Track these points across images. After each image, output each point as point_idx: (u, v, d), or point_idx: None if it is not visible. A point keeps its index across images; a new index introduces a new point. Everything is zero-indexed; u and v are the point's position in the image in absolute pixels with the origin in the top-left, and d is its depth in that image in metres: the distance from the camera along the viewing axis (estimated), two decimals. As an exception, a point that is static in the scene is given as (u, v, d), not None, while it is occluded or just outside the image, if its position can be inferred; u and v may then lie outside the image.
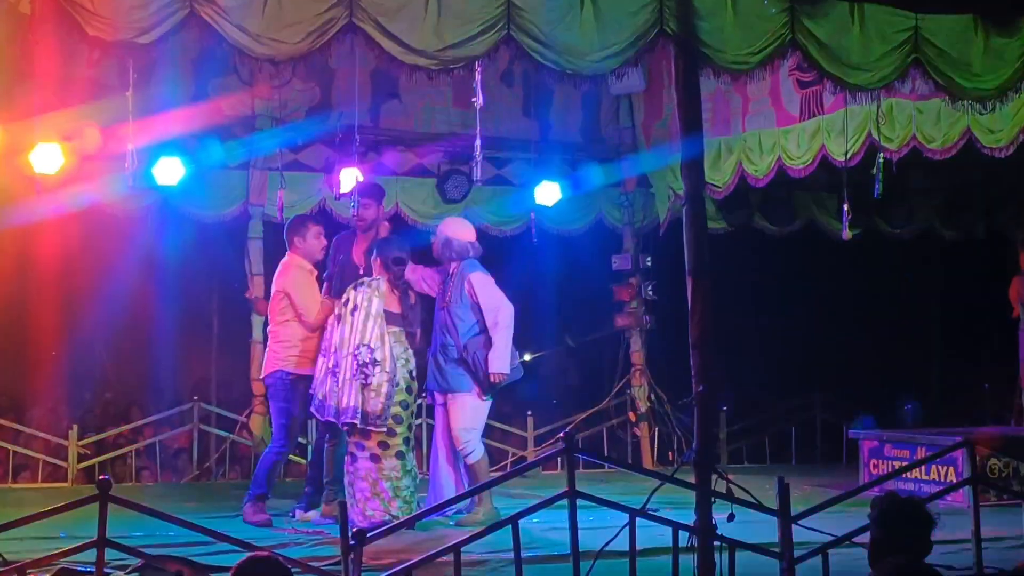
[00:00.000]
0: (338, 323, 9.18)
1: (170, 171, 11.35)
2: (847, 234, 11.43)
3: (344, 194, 10.92)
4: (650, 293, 13.84)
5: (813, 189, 13.47)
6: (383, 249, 9.48)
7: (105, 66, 10.41)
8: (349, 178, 10.99)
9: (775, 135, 11.84)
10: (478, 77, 8.29)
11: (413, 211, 13.04)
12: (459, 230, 9.87)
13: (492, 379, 9.42)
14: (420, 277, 9.85)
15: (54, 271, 12.68)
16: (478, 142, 8.90)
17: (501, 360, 9.41)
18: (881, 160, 10.47)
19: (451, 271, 9.69)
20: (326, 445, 9.85)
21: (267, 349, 9.90)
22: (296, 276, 9.77)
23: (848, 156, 10.84)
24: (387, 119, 12.82)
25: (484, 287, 9.52)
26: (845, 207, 11.24)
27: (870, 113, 10.30)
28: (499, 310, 9.46)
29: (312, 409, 9.33)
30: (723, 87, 10.33)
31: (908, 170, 11.32)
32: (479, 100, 8.54)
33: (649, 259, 13.92)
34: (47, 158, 10.55)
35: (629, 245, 14.09)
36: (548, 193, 13.13)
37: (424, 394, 9.99)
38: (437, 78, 7.87)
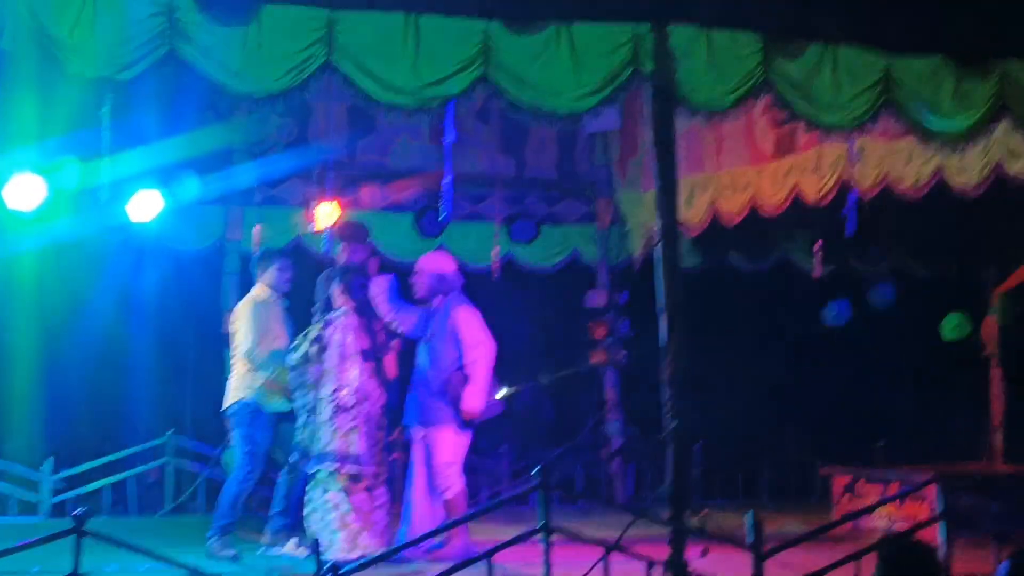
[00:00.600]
0: (308, 363, 9.17)
1: (147, 206, 11.38)
2: (820, 272, 11.51)
3: (321, 231, 10.98)
4: (625, 330, 13.89)
5: (786, 227, 13.55)
6: (344, 276, 9.49)
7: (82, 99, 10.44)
8: (326, 214, 11.06)
9: (748, 173, 11.93)
10: (448, 115, 8.37)
11: (390, 247, 13.08)
12: (445, 263, 9.97)
13: (464, 416, 9.47)
14: (398, 318, 9.92)
15: (30, 304, 12.65)
16: (447, 179, 8.96)
17: (477, 398, 9.47)
18: (854, 199, 10.56)
19: (435, 305, 9.74)
20: (283, 478, 9.88)
21: (231, 377, 9.94)
22: (248, 308, 9.85)
23: (821, 195, 10.93)
24: (364, 154, 12.88)
25: (469, 324, 9.58)
26: (817, 245, 11.33)
27: (843, 152, 10.39)
28: (479, 347, 9.52)
29: (293, 460, 9.34)
30: (698, 125, 10.42)
31: (881, 209, 11.41)
32: (448, 137, 8.63)
33: (624, 296, 13.98)
34: (23, 192, 10.53)
35: (603, 282, 14.15)
36: (522, 230, 13.27)
37: (396, 429, 10.00)
38: (414, 116, 7.92)
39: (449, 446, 9.54)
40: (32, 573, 7.93)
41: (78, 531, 6.19)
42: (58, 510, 12.17)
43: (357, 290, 9.41)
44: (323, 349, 9.15)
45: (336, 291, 9.43)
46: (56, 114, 10.54)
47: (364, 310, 9.42)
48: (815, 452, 13.81)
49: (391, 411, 9.64)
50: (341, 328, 9.19)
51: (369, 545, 9.02)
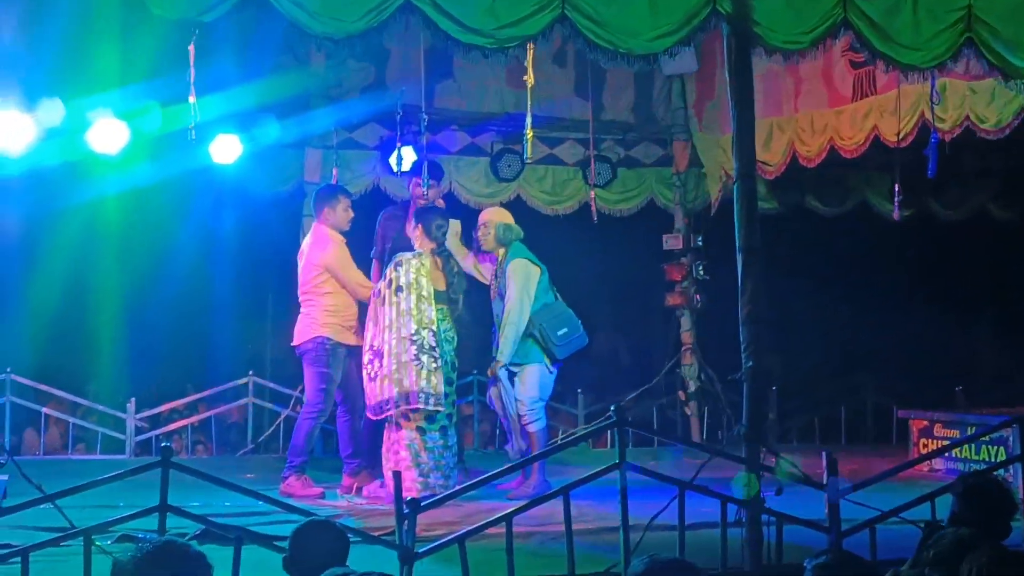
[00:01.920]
0: (381, 304, 9.21)
1: (227, 149, 11.53)
2: (899, 215, 11.42)
3: (404, 172, 11.08)
4: (701, 273, 13.88)
5: (865, 169, 13.46)
6: (423, 216, 9.54)
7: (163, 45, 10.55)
8: (408, 157, 11.15)
9: (827, 116, 11.84)
10: (529, 56, 8.36)
11: (466, 190, 13.16)
12: (506, 214, 10.06)
13: (497, 364, 9.62)
14: (471, 259, 10.03)
15: (113, 247, 12.87)
16: (529, 120, 8.95)
17: (506, 352, 9.60)
18: (935, 141, 10.42)
19: (499, 258, 9.82)
20: (343, 420, 9.97)
21: (303, 316, 9.91)
22: (338, 253, 9.81)
23: (901, 137, 10.83)
24: (441, 99, 12.91)
25: (514, 279, 9.63)
26: (897, 188, 11.23)
27: (923, 93, 10.27)
28: (513, 301, 9.58)
29: (369, 413, 9.40)
30: (775, 67, 10.34)
31: (961, 151, 11.28)
32: (529, 79, 8.62)
33: (700, 239, 13.97)
34: (107, 135, 10.70)
35: (680, 225, 14.13)
36: (599, 173, 13.27)
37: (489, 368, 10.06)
38: (492, 57, 7.92)
39: (537, 381, 9.70)
40: (119, 508, 8.11)
41: (165, 463, 6.31)
42: (141, 450, 12.40)
43: (436, 231, 9.47)
44: (398, 290, 9.19)
45: (416, 233, 9.49)
46: (137, 60, 10.69)
47: (441, 253, 9.49)
48: (893, 396, 13.77)
49: (464, 353, 9.74)
50: (416, 271, 9.23)
51: (440, 484, 9.12)
